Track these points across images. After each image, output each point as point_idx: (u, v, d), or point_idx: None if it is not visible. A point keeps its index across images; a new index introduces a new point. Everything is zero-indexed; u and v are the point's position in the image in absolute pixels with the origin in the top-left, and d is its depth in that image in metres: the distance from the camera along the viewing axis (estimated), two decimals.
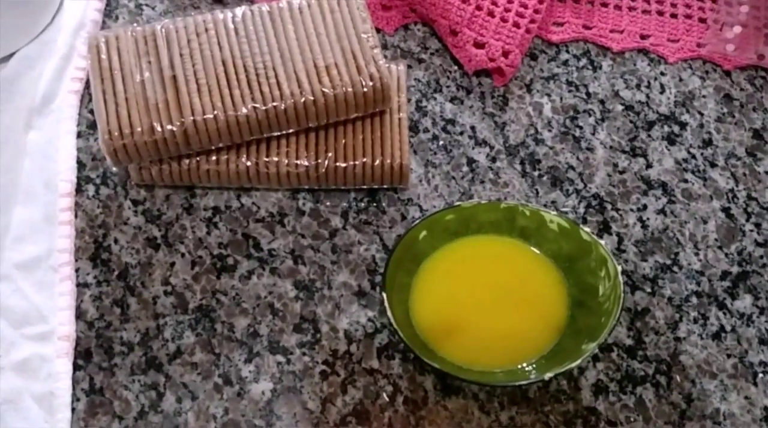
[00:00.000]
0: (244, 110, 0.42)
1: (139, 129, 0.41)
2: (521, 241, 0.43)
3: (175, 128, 0.41)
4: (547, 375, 0.37)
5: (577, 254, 0.41)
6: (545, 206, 0.47)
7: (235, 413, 0.42)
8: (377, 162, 0.45)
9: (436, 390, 0.43)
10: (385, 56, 0.51)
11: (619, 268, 0.38)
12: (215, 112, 0.41)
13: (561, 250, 0.42)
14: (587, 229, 0.40)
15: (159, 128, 0.41)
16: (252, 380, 0.43)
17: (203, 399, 0.42)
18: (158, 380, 0.43)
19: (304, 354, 0.43)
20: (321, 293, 0.45)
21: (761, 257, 0.47)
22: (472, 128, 0.49)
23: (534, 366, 0.40)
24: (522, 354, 0.41)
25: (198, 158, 0.44)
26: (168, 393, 0.42)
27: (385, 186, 0.47)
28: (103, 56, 0.43)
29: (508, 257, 0.43)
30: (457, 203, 0.41)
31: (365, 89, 0.42)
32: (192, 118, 0.41)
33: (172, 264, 0.45)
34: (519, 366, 0.40)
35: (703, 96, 0.51)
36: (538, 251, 0.43)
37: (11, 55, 0.49)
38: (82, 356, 0.43)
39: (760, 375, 0.44)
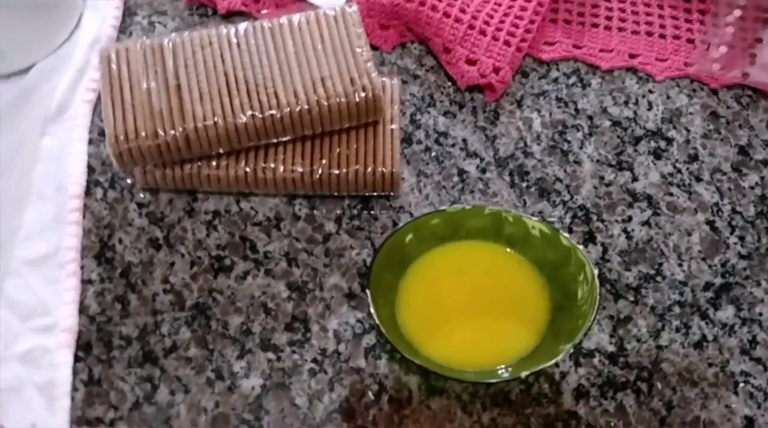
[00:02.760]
0: (243, 118, 0.44)
1: (144, 134, 0.44)
2: (508, 248, 0.44)
3: (177, 134, 0.44)
4: (523, 374, 0.38)
5: (560, 262, 0.42)
6: (532, 215, 0.48)
7: (226, 407, 0.44)
8: (369, 170, 0.47)
9: (420, 390, 0.44)
10: (382, 72, 0.54)
11: (596, 272, 0.40)
12: (215, 119, 0.44)
13: (546, 258, 0.43)
14: (567, 235, 0.41)
15: (162, 133, 0.44)
16: (243, 375, 0.44)
17: (195, 392, 0.44)
18: (153, 373, 0.45)
19: (293, 352, 0.45)
20: (313, 295, 0.47)
21: (744, 269, 0.48)
22: (464, 140, 0.51)
23: (512, 367, 0.41)
24: (503, 355, 0.42)
25: (199, 163, 0.46)
26: (162, 386, 0.44)
27: (377, 193, 0.49)
28: (113, 66, 0.46)
29: (493, 263, 0.45)
30: (442, 208, 0.42)
31: (357, 100, 0.45)
32: (193, 124, 0.44)
33: (172, 264, 0.47)
34: (499, 367, 0.41)
35: (690, 113, 0.53)
36: (523, 258, 0.44)
37: (30, 67, 0.53)
38: (82, 348, 0.45)
39: (741, 384, 0.45)
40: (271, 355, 0.45)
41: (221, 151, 0.45)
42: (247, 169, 0.46)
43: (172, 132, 0.44)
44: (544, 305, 0.43)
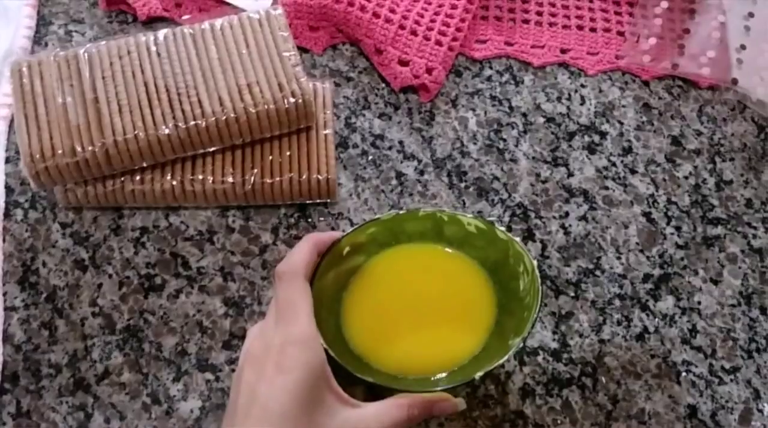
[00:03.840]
0: (166, 129, 0.42)
1: (61, 151, 0.42)
2: (449, 248, 0.44)
3: (96, 149, 0.42)
4: (477, 375, 0.37)
5: (500, 256, 0.42)
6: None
7: None
8: (304, 177, 0.45)
9: (366, 400, 0.43)
10: (314, 75, 0.52)
11: (535, 263, 0.39)
12: (136, 131, 0.42)
13: (486, 254, 0.43)
14: (502, 228, 0.40)
15: (80, 149, 0.42)
16: (180, 398, 0.43)
17: (131, 418, 0.42)
18: (86, 401, 0.42)
19: (233, 370, 0.43)
20: (251, 309, 0.45)
21: (682, 259, 0.48)
22: (401, 142, 0.51)
23: (462, 369, 0.40)
24: (451, 358, 0.41)
25: (123, 179, 0.44)
26: (96, 414, 0.42)
27: (314, 201, 0.47)
28: (26, 81, 0.43)
29: (434, 265, 0.44)
30: (377, 217, 0.41)
31: (287, 106, 0.43)
32: (113, 138, 0.42)
33: (100, 285, 0.45)
34: (447, 372, 0.40)
35: (623, 106, 0.53)
36: (465, 257, 0.43)
37: None
38: (8, 379, 0.42)
39: (683, 373, 0.45)
40: (209, 375, 0.43)
41: (145, 164, 0.43)
42: (174, 182, 0.44)
43: (91, 148, 0.42)
44: (489, 302, 0.42)
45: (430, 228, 0.43)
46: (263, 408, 0.32)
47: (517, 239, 0.40)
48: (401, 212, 0.41)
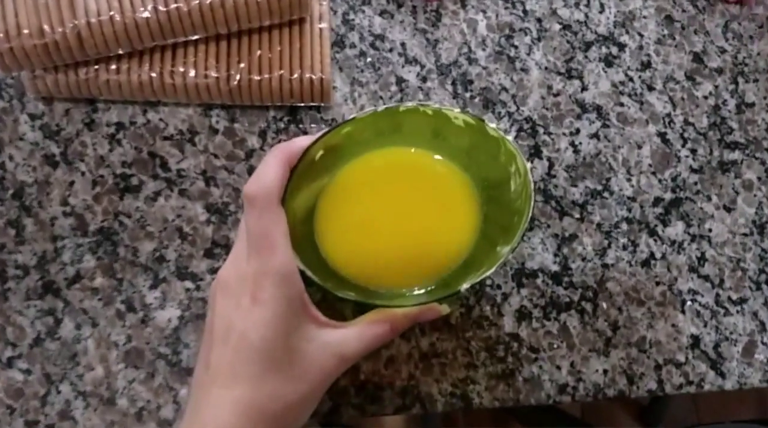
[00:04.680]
0: (145, 12, 0.38)
1: (27, 31, 0.37)
2: (432, 150, 0.40)
3: (67, 31, 0.37)
4: (464, 287, 0.34)
5: (492, 158, 0.38)
6: None
7: (139, 340, 0.40)
8: (295, 76, 0.41)
9: (354, 315, 0.40)
10: None
11: (529, 166, 0.35)
12: (112, 13, 0.38)
13: (463, 144, 0.39)
14: (493, 125, 0.36)
15: (49, 30, 0.37)
16: (158, 306, 0.40)
17: (104, 325, 0.40)
18: (56, 305, 0.40)
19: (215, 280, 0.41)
20: (234, 217, 0.42)
21: (695, 183, 0.45)
22: (402, 44, 0.46)
23: (448, 281, 0.38)
24: (437, 268, 0.38)
25: (96, 67, 0.40)
26: (66, 320, 0.40)
27: (306, 104, 0.44)
28: None
29: (416, 169, 0.40)
30: (352, 116, 0.37)
31: None
32: (86, 19, 0.37)
33: (72, 183, 0.42)
34: (433, 284, 0.38)
35: (644, 17, 0.49)
36: (449, 161, 0.39)
37: None
38: None
39: (688, 303, 0.43)
40: (189, 284, 0.41)
41: (121, 52, 0.39)
42: (153, 73, 0.40)
43: (61, 29, 0.37)
44: (476, 207, 0.39)
45: (413, 127, 0.39)
46: (241, 337, 0.31)
47: (509, 137, 0.36)
48: (379, 109, 0.37)
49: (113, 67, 0.40)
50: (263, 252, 0.32)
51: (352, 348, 0.34)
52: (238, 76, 0.41)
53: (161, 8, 0.38)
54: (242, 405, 0.31)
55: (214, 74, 0.41)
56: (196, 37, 0.40)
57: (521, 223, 0.35)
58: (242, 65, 0.41)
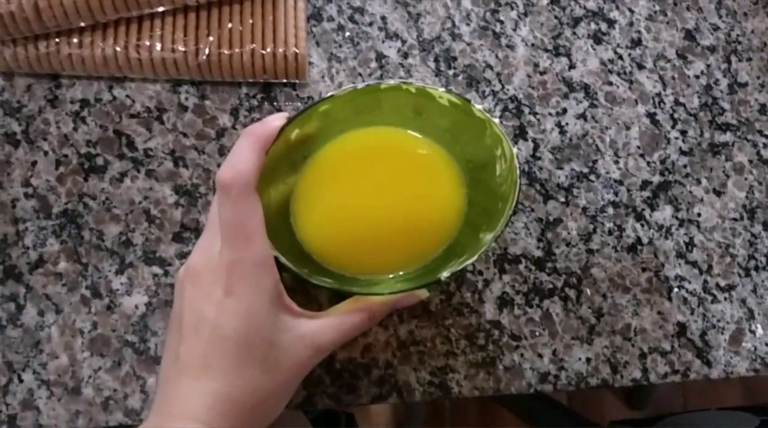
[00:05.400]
0: None
1: None
2: (414, 131, 0.38)
3: (23, 1, 0.35)
4: (444, 274, 0.33)
5: (477, 140, 0.36)
6: None
7: (105, 328, 0.38)
8: (268, 50, 0.39)
9: (330, 303, 0.39)
10: None
11: (515, 150, 0.34)
12: None
13: (447, 124, 0.37)
14: (479, 106, 0.35)
15: (3, 0, 0.35)
16: (124, 292, 0.38)
17: (69, 312, 0.38)
18: (18, 291, 0.38)
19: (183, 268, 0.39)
20: (205, 200, 0.40)
21: (685, 166, 0.44)
22: (383, 18, 0.44)
23: (429, 268, 0.36)
24: (418, 254, 0.37)
25: (58, 40, 0.38)
26: (29, 306, 0.38)
27: (280, 80, 0.42)
28: None
29: (396, 151, 0.38)
30: (330, 93, 0.35)
31: None
32: None
33: (34, 163, 0.40)
34: (412, 270, 0.36)
35: None
36: (432, 142, 0.38)
37: None
38: None
39: (675, 289, 0.42)
40: (156, 269, 0.39)
41: (83, 24, 0.37)
42: (117, 47, 0.38)
43: None
44: (460, 192, 0.37)
45: (394, 105, 0.37)
46: (214, 329, 0.30)
47: (496, 120, 0.34)
48: (359, 86, 0.35)
49: (75, 40, 0.38)
50: (237, 243, 0.30)
51: (328, 339, 0.33)
52: (207, 51, 0.39)
53: None
54: (215, 397, 0.30)
55: (181, 48, 0.39)
56: (162, 8, 0.37)
57: (506, 209, 0.33)
58: (212, 39, 0.39)
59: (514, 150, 0.33)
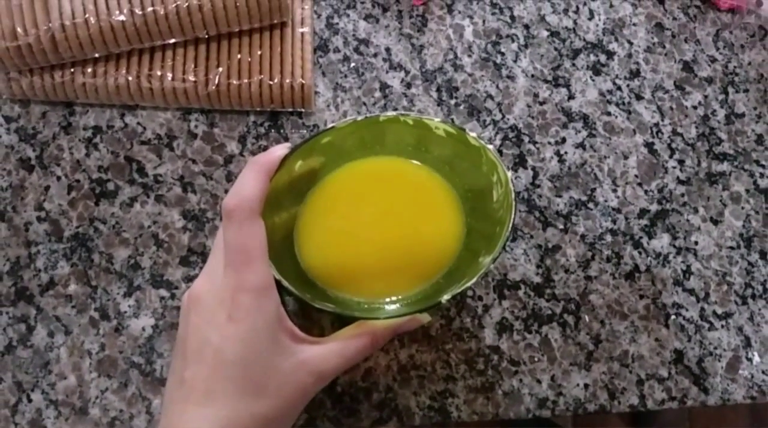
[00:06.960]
0: (121, 15, 0.37)
1: (1, 32, 0.37)
2: (414, 160, 0.39)
3: (41, 33, 0.37)
4: (445, 297, 0.34)
5: (462, 155, 0.37)
6: None
7: (113, 349, 0.39)
8: (276, 81, 0.41)
9: (333, 327, 0.40)
10: None
11: (510, 175, 0.35)
12: (87, 15, 0.37)
13: (446, 154, 0.38)
14: (474, 134, 0.36)
15: (22, 32, 0.37)
16: (132, 315, 0.39)
17: (77, 333, 0.39)
18: (28, 312, 0.39)
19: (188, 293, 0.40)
20: (212, 225, 0.41)
21: (682, 195, 0.45)
22: (387, 49, 0.46)
23: (429, 292, 0.37)
24: (418, 279, 0.37)
25: (72, 70, 0.39)
26: (39, 327, 0.39)
27: (287, 109, 0.43)
28: None
29: (397, 179, 0.39)
30: (331, 125, 0.36)
31: None
32: (60, 21, 0.37)
33: (47, 188, 0.41)
34: (413, 295, 0.37)
35: (634, 24, 0.48)
36: (431, 170, 0.39)
37: None
38: None
39: (673, 317, 0.42)
40: (164, 292, 0.40)
41: (97, 55, 0.39)
42: (130, 77, 0.39)
43: (35, 31, 0.37)
44: (459, 218, 0.38)
45: (395, 137, 0.38)
46: (216, 354, 0.31)
47: (490, 146, 0.35)
48: (359, 118, 0.36)
49: (89, 70, 0.39)
50: (240, 267, 0.31)
51: (331, 366, 0.33)
52: (216, 81, 0.40)
53: (137, 11, 0.37)
54: (218, 423, 0.30)
55: (191, 78, 0.40)
56: (173, 40, 0.39)
57: (503, 233, 0.34)
58: (221, 69, 0.40)
59: (509, 174, 0.34)
